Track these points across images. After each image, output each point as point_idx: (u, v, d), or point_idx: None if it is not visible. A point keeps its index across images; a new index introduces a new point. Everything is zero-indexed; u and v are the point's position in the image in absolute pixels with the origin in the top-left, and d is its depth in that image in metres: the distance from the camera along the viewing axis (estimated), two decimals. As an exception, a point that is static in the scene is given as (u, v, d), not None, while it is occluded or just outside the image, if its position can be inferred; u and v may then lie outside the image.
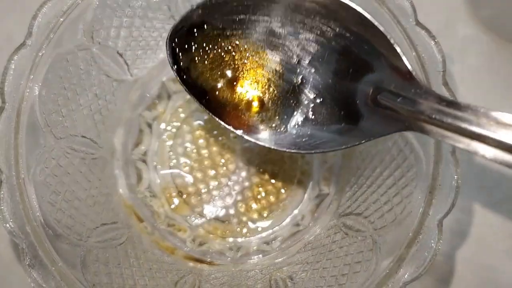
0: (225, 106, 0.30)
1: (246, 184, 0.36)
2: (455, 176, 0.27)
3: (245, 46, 0.30)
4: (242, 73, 0.30)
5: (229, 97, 0.31)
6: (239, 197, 0.36)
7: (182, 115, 0.37)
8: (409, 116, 0.23)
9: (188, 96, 0.37)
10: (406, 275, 0.26)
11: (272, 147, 0.29)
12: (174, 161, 0.36)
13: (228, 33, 0.30)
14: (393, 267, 0.27)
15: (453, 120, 0.21)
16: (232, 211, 0.36)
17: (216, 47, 0.30)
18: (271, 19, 0.29)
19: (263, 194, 0.36)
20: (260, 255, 0.34)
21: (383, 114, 0.25)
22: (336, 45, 0.28)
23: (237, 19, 0.29)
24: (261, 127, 0.30)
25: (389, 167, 0.30)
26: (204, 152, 0.36)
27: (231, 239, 0.35)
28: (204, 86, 0.30)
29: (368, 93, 0.26)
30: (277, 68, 0.30)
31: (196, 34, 0.29)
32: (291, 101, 0.30)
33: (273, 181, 0.36)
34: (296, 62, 0.29)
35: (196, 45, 0.30)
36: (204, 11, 0.29)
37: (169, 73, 0.36)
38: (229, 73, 0.30)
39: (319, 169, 0.36)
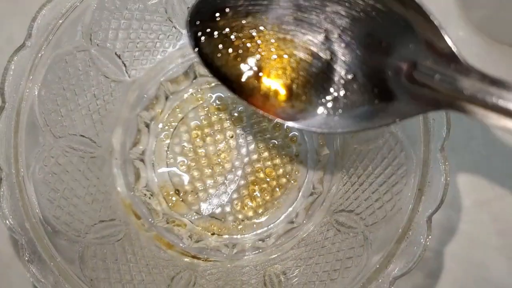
0: (253, 90, 0.28)
1: (242, 182, 0.37)
2: (444, 174, 0.27)
3: (270, 23, 0.28)
4: (268, 53, 0.28)
5: (257, 80, 0.28)
6: (235, 195, 0.36)
7: (179, 115, 0.38)
8: (449, 95, 0.22)
9: (185, 96, 0.38)
10: (396, 270, 0.27)
11: (304, 127, 0.27)
12: (172, 160, 0.37)
13: (251, 10, 0.27)
14: (383, 262, 0.27)
15: (498, 100, 0.20)
16: (228, 209, 0.36)
17: (239, 27, 0.28)
18: None
19: (258, 192, 0.36)
20: (255, 252, 0.34)
21: (420, 91, 0.23)
22: (366, 18, 0.25)
23: None
24: (292, 108, 0.28)
25: (380, 165, 0.30)
26: (201, 151, 0.37)
27: (227, 236, 0.36)
28: (230, 73, 0.28)
29: (402, 68, 0.24)
30: (305, 45, 0.28)
31: (217, 16, 0.27)
32: (322, 78, 0.27)
33: (268, 179, 0.37)
34: (324, 37, 0.27)
35: (217, 29, 0.28)
36: None
37: (166, 74, 0.37)
38: (254, 56, 0.28)
39: (313, 167, 0.36)
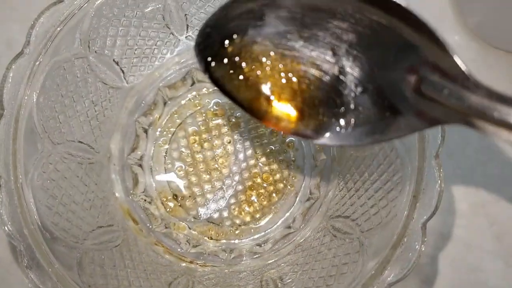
0: (266, 111, 0.28)
1: (239, 187, 0.37)
2: (439, 181, 0.27)
3: (276, 44, 0.28)
4: (277, 75, 0.28)
5: (269, 103, 0.28)
6: (232, 200, 0.37)
7: (178, 121, 0.38)
8: (457, 110, 0.22)
9: (183, 101, 0.38)
10: (391, 276, 0.27)
11: (315, 140, 0.28)
12: (170, 165, 0.37)
13: (257, 34, 0.28)
14: (378, 269, 0.27)
15: (507, 117, 0.20)
16: (225, 214, 0.36)
17: (247, 52, 0.28)
18: (300, 11, 0.27)
19: (255, 197, 0.37)
20: (252, 257, 0.35)
21: (428, 105, 0.23)
22: (372, 34, 0.26)
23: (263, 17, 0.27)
24: (305, 125, 0.28)
25: (375, 172, 0.31)
26: (199, 156, 0.37)
27: (224, 241, 0.36)
28: (241, 97, 0.28)
29: (410, 82, 0.24)
30: (313, 62, 0.28)
31: (225, 43, 0.28)
32: (332, 94, 0.27)
33: (265, 184, 0.37)
34: (332, 53, 0.27)
35: (226, 55, 0.28)
36: (227, 13, 0.27)
37: (164, 80, 0.37)
38: (265, 80, 0.28)
39: (310, 173, 0.37)
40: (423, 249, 0.27)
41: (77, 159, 0.33)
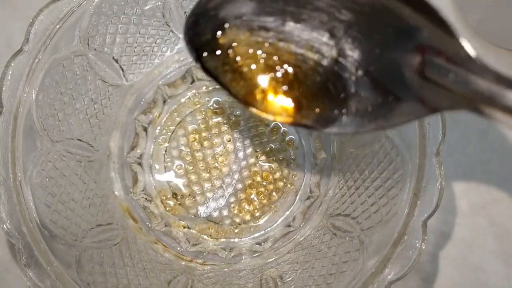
0: (262, 102, 0.27)
1: (239, 186, 0.37)
2: (439, 179, 0.27)
3: (270, 30, 0.26)
4: (274, 62, 0.27)
5: (264, 93, 0.27)
6: (232, 199, 0.37)
7: (177, 119, 0.38)
8: (464, 95, 0.20)
9: (183, 100, 0.38)
10: (391, 274, 0.27)
11: (317, 129, 0.27)
12: (169, 163, 0.37)
13: (250, 22, 0.26)
14: (379, 267, 0.27)
15: None
16: (225, 213, 0.36)
17: (240, 41, 0.27)
18: None
19: (255, 196, 0.36)
20: (252, 255, 0.35)
21: (432, 90, 0.22)
22: (372, 13, 0.24)
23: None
24: (306, 113, 0.27)
25: (376, 170, 0.31)
26: (198, 155, 0.37)
27: (224, 240, 0.36)
28: (237, 89, 0.27)
29: (414, 65, 0.23)
30: (311, 45, 0.26)
31: (217, 33, 0.27)
32: (332, 78, 0.26)
33: (265, 183, 0.37)
34: (330, 35, 0.26)
35: (218, 45, 0.27)
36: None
37: (164, 78, 0.37)
38: (261, 69, 0.27)
39: (310, 171, 0.36)
40: (423, 247, 0.27)
41: (76, 157, 0.33)
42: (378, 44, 0.25)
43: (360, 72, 0.25)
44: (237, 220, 0.36)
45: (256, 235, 0.36)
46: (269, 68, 0.27)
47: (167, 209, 0.36)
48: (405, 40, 0.23)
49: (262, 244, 0.35)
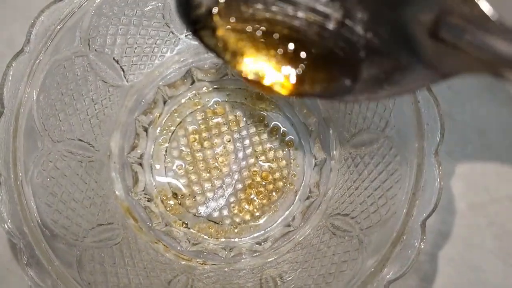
0: (267, 69, 0.25)
1: (239, 186, 0.37)
2: (438, 178, 0.27)
3: None
4: (274, 27, 0.25)
5: (268, 56, 0.25)
6: (232, 199, 0.37)
7: (177, 119, 0.38)
8: (482, 58, 0.19)
9: (183, 100, 0.38)
10: (390, 274, 0.27)
11: (328, 97, 0.25)
12: (169, 163, 0.37)
13: None
14: (377, 266, 0.27)
15: None
16: (225, 212, 0.37)
17: (238, 13, 0.25)
18: None
19: (255, 196, 0.37)
20: (252, 255, 0.35)
21: (447, 53, 0.20)
22: None
23: None
24: (312, 80, 0.25)
25: (375, 170, 0.31)
26: (199, 155, 0.37)
27: (224, 239, 0.36)
28: (236, 58, 0.25)
29: (426, 25, 0.21)
30: (312, 6, 0.24)
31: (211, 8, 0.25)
32: (339, 42, 0.24)
33: (265, 183, 0.37)
34: None
35: (213, 22, 0.25)
36: None
37: (164, 79, 0.37)
38: (259, 33, 0.25)
39: (310, 171, 0.37)
40: (422, 246, 0.27)
41: (77, 157, 0.33)
42: (387, 3, 0.23)
43: (369, 35, 0.23)
44: (237, 220, 0.36)
45: (256, 234, 0.36)
46: (272, 37, 0.25)
47: (168, 209, 0.37)
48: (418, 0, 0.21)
49: (262, 243, 0.35)
